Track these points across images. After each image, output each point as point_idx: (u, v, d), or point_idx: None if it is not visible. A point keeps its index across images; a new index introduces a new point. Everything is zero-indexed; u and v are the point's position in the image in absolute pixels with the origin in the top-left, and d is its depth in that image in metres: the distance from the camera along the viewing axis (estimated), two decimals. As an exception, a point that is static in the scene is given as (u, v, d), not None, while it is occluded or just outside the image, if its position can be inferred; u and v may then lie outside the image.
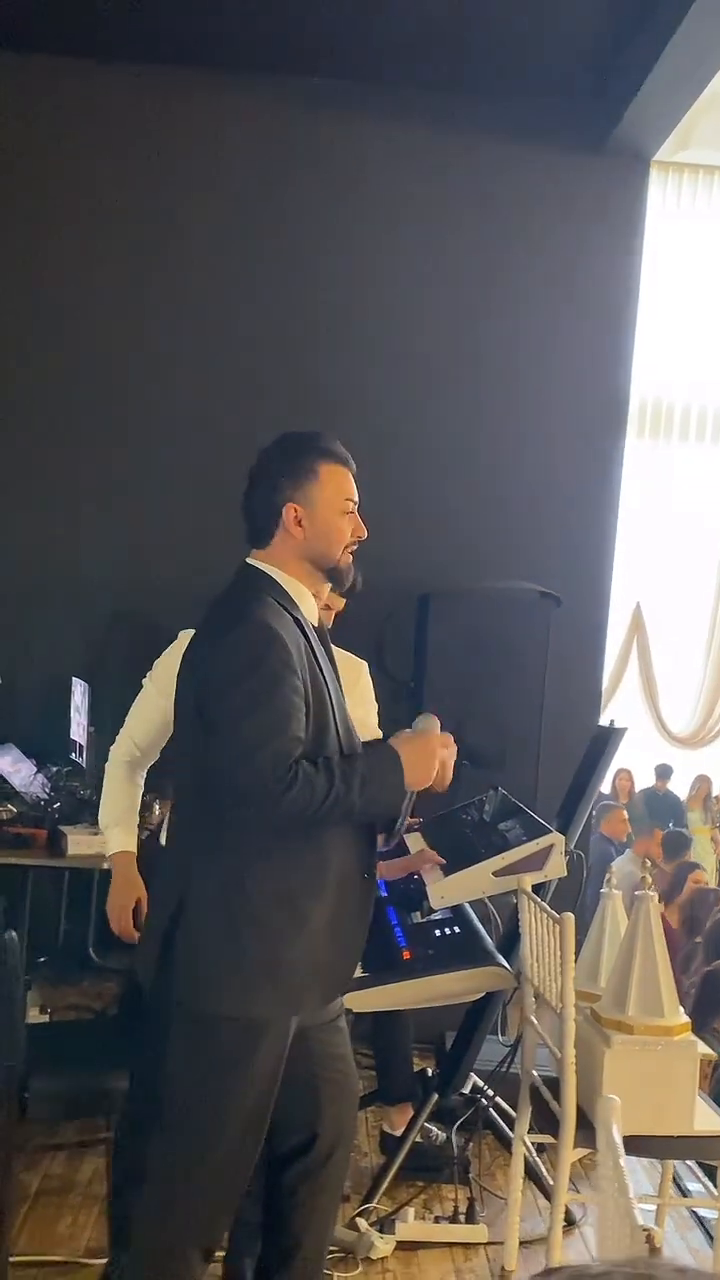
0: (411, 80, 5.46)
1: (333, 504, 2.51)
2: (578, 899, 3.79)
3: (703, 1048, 3.15)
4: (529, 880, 3.40)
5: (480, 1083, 3.93)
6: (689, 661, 12.40)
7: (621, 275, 5.71)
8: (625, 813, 8.35)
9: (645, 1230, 1.57)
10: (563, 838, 3.46)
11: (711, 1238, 3.43)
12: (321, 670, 2.47)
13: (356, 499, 2.55)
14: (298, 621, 2.45)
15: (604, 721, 4.17)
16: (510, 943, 3.77)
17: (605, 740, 4.03)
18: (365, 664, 3.54)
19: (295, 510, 2.48)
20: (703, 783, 11.23)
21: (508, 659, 5.08)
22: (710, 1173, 3.57)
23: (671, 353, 11.45)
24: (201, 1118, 2.38)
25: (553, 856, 3.41)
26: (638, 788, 11.49)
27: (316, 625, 2.56)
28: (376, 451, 5.23)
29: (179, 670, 2.55)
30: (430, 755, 2.46)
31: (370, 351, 5.56)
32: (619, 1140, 1.88)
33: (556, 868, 3.42)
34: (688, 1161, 3.78)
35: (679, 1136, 3.05)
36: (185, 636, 2.77)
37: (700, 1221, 3.70)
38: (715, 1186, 3.20)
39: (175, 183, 5.57)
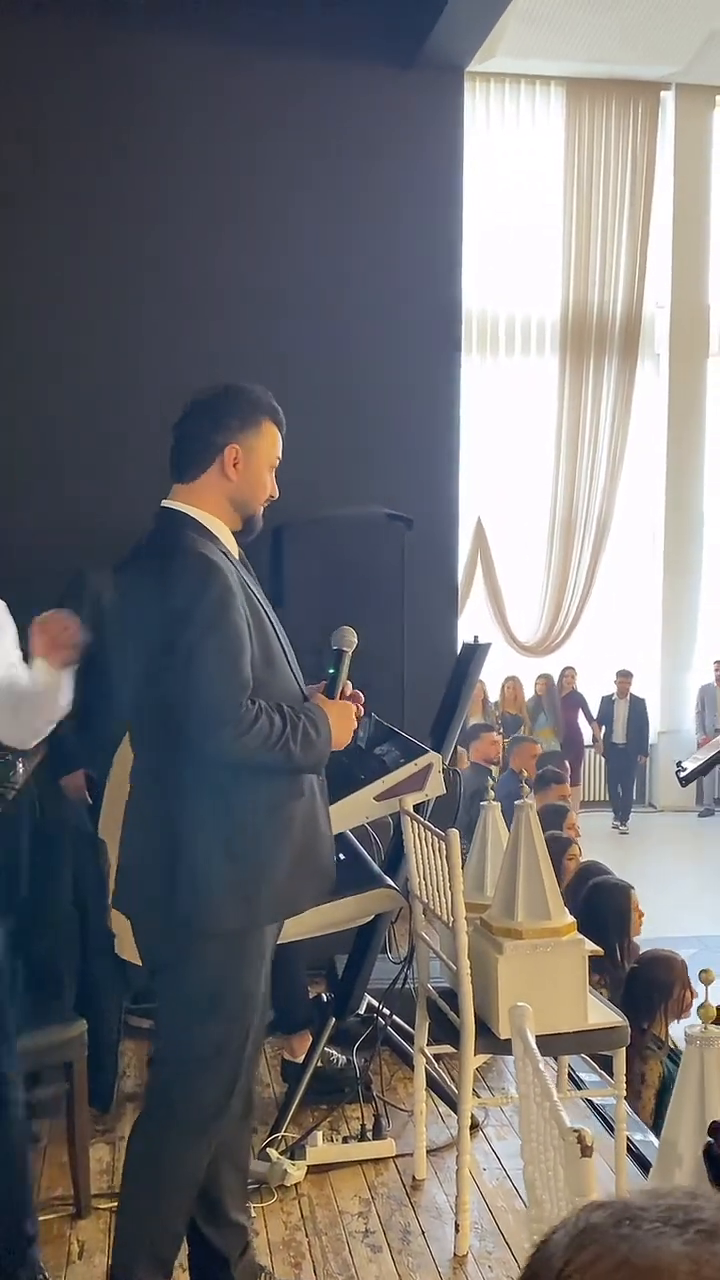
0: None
1: (266, 458, 2.59)
2: (455, 816, 3.86)
3: (590, 945, 3.25)
4: (410, 801, 3.45)
5: (375, 1002, 3.99)
6: (531, 573, 12.64)
7: (444, 188, 5.68)
8: (496, 735, 8.50)
9: (575, 1131, 1.61)
10: (439, 756, 3.51)
11: (608, 1125, 3.57)
12: (257, 599, 2.54)
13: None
14: (225, 555, 2.51)
15: (468, 638, 4.22)
16: (394, 862, 3.82)
17: (470, 656, 4.09)
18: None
19: (236, 451, 2.53)
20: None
21: (364, 584, 5.10)
22: (603, 1063, 3.70)
23: (494, 265, 11.55)
24: (226, 1012, 2.52)
25: (431, 775, 3.46)
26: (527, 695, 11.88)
27: (239, 558, 2.62)
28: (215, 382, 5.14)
29: (117, 619, 2.63)
30: (349, 718, 2.60)
31: (194, 284, 5.43)
32: (535, 1046, 1.93)
33: (436, 786, 3.48)
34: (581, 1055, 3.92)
35: (574, 1032, 3.17)
36: None
37: (595, 1109, 3.85)
38: (610, 1076, 3.32)
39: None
